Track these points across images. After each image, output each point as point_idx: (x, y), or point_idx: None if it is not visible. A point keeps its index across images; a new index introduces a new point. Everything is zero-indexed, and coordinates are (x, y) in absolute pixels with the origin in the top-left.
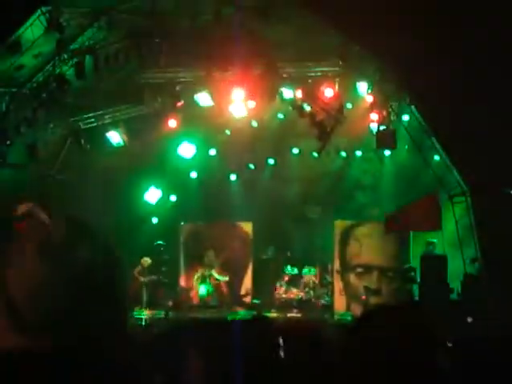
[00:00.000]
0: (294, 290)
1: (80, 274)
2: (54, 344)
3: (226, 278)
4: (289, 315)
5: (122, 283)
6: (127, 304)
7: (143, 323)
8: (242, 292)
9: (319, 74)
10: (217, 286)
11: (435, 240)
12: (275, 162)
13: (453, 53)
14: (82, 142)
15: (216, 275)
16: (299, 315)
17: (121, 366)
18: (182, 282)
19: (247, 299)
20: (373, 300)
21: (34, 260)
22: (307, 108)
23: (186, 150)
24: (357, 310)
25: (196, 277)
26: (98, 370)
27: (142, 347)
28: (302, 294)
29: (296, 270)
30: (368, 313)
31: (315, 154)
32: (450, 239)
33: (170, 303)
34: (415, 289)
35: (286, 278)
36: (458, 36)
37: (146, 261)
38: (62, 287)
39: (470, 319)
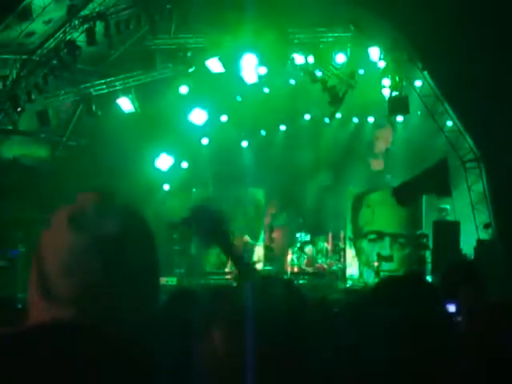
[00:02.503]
0: (306, 257)
1: (110, 247)
2: (81, 317)
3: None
4: (301, 282)
5: (154, 257)
6: (158, 279)
7: None
8: (255, 259)
9: (331, 39)
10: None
11: (448, 206)
12: (287, 128)
13: (466, 18)
14: (93, 108)
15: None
16: (311, 282)
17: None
18: (194, 249)
19: (259, 266)
20: (385, 266)
21: (65, 230)
22: (319, 74)
23: (198, 116)
24: (369, 276)
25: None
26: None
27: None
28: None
29: (308, 237)
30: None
31: (327, 120)
32: (463, 205)
33: (183, 270)
34: (428, 255)
35: (298, 245)
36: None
37: None
38: (92, 259)
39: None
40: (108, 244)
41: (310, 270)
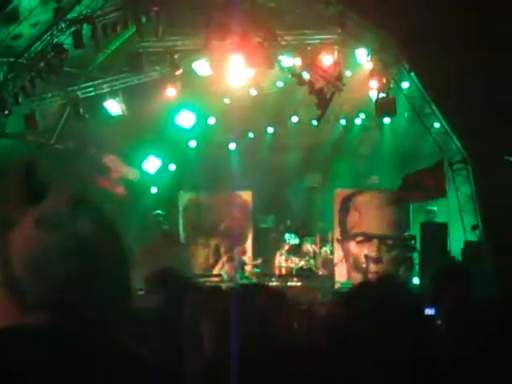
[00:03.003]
0: (295, 259)
1: (79, 249)
2: (53, 321)
3: (259, 261)
4: (289, 284)
5: (125, 258)
6: (130, 280)
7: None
8: (243, 261)
9: (318, 41)
10: (218, 254)
11: (435, 208)
12: (274, 130)
13: (452, 20)
14: (81, 111)
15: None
16: (299, 284)
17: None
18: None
19: (248, 268)
20: (373, 268)
21: (35, 230)
22: (306, 76)
23: (185, 118)
24: (357, 278)
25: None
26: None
27: (147, 318)
28: (302, 263)
29: (296, 239)
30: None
31: (314, 122)
32: (451, 207)
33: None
34: (415, 257)
35: (286, 247)
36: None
37: None
38: (61, 261)
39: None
40: (80, 244)
41: (297, 272)
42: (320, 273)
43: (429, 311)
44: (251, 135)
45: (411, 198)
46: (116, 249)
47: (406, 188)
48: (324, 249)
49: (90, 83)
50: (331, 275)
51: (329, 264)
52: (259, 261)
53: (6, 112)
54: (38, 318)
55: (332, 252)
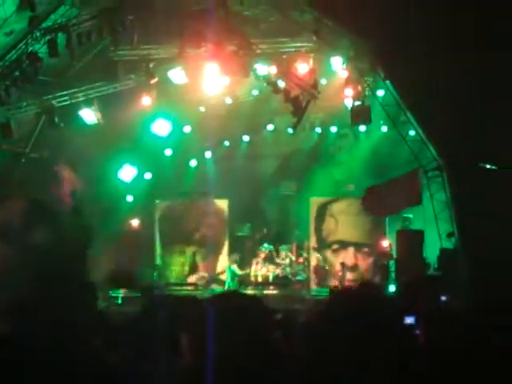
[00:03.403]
0: (271, 267)
1: (40, 257)
2: (16, 328)
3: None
4: (265, 292)
5: (86, 265)
6: (93, 285)
7: (119, 302)
8: (219, 269)
9: (293, 49)
10: (194, 263)
11: (411, 215)
12: (250, 138)
13: (428, 28)
14: (56, 120)
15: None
16: (276, 292)
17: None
18: (158, 260)
19: (223, 277)
20: (349, 276)
21: None
22: (281, 84)
23: (161, 127)
24: (333, 286)
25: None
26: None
27: (118, 326)
28: (278, 271)
29: (272, 247)
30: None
31: (290, 130)
32: (426, 214)
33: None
34: (392, 264)
35: (263, 255)
36: (434, 11)
37: None
38: (22, 271)
39: (443, 297)
40: (38, 255)
41: (274, 280)
42: (312, 280)
43: (408, 320)
44: (227, 143)
45: (374, 210)
46: (77, 256)
47: (367, 200)
48: (316, 255)
49: (65, 92)
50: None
51: (321, 271)
52: (236, 256)
53: None
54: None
55: (325, 260)
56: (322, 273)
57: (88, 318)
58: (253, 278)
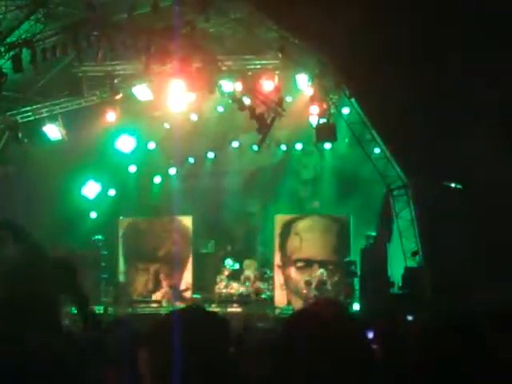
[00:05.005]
0: (235, 285)
1: (6, 277)
2: None
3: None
4: (229, 310)
5: (53, 285)
6: (59, 306)
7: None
8: (182, 287)
9: (259, 66)
10: (158, 280)
11: (374, 233)
12: (215, 155)
13: (392, 46)
14: (20, 135)
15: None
16: (240, 310)
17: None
18: (121, 277)
19: (187, 294)
20: (314, 294)
21: None
22: (247, 101)
23: (125, 143)
24: (298, 304)
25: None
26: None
27: (79, 344)
28: (242, 289)
29: (236, 265)
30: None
31: (255, 148)
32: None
33: (110, 299)
34: (356, 282)
35: (227, 273)
36: (398, 30)
37: None
38: None
39: (410, 317)
40: (8, 275)
41: (238, 298)
42: (276, 298)
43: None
44: (191, 160)
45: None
46: (46, 277)
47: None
48: (280, 273)
49: (29, 108)
50: (271, 301)
51: (286, 289)
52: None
53: None
54: None
55: (290, 278)
56: (287, 291)
57: (59, 337)
58: (217, 296)
